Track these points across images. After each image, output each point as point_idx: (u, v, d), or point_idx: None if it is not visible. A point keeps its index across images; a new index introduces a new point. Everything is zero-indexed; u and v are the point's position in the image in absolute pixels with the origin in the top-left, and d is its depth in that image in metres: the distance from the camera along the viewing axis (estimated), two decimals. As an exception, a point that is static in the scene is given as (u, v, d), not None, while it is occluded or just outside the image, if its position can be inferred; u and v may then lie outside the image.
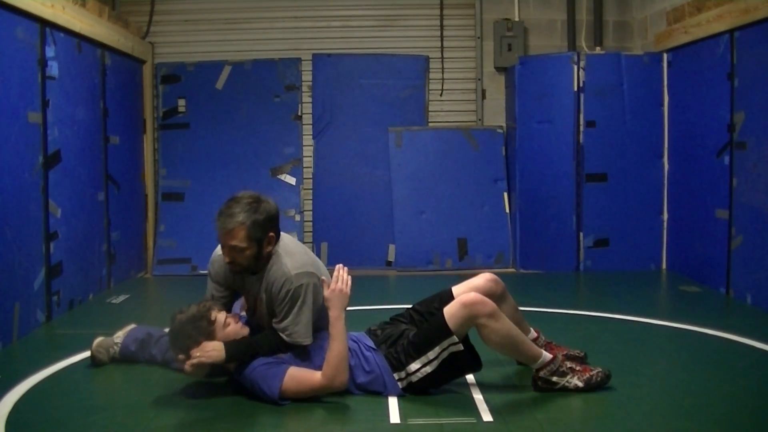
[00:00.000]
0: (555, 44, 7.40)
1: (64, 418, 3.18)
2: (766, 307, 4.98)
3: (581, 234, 6.71)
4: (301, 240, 7.21)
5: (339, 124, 7.41)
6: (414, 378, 3.32)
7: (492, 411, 3.17)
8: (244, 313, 3.61)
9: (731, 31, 5.38)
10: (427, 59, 7.47)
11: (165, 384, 3.56)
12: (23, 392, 3.50)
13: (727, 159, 5.52)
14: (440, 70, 7.49)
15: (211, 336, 3.28)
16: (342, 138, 7.40)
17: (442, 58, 7.49)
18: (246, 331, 3.40)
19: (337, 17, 7.52)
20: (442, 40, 7.49)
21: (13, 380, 3.63)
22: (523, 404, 3.29)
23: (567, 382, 3.36)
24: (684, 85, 6.32)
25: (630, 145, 6.67)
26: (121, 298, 5.79)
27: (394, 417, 3.13)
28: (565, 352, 3.65)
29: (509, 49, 7.34)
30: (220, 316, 3.33)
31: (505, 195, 7.20)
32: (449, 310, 3.27)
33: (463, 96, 7.56)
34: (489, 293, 3.43)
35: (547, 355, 3.37)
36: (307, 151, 7.40)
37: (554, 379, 3.36)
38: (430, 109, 7.50)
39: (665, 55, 6.61)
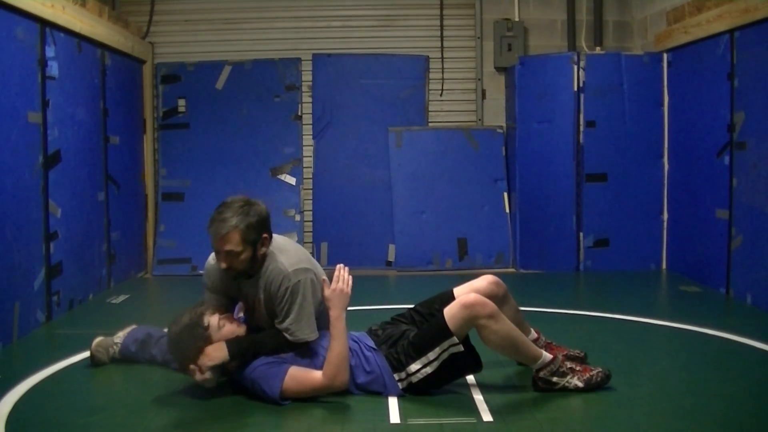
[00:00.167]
0: (555, 44, 7.40)
1: (64, 418, 3.18)
2: (766, 307, 4.98)
3: (581, 234, 6.71)
4: (301, 240, 7.22)
5: (339, 124, 7.41)
6: (414, 379, 3.32)
7: (492, 411, 3.17)
8: (242, 314, 3.60)
9: (731, 31, 5.38)
10: (427, 59, 7.47)
11: (165, 384, 3.56)
12: (23, 392, 3.50)
13: (727, 159, 5.52)
14: (440, 70, 7.49)
15: (209, 341, 3.28)
16: (342, 138, 7.40)
17: (442, 58, 7.49)
18: (243, 329, 3.39)
19: (337, 17, 7.52)
20: (442, 40, 7.49)
21: (13, 380, 3.63)
22: (523, 404, 3.29)
23: (567, 382, 3.36)
24: (684, 85, 6.32)
25: (630, 145, 6.67)
26: (121, 298, 5.79)
27: (394, 417, 3.13)
28: (565, 353, 3.65)
29: (509, 49, 7.34)
30: (213, 319, 3.32)
31: (505, 195, 7.20)
32: (449, 311, 3.28)
33: (463, 96, 7.56)
34: (490, 295, 3.43)
35: (547, 356, 3.38)
36: (307, 151, 7.40)
37: (554, 379, 3.36)
38: (430, 109, 7.50)
39: (665, 55, 6.61)
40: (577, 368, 3.39)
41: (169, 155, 7.32)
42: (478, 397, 3.34)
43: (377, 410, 3.20)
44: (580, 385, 3.36)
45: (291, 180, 7.32)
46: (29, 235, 4.68)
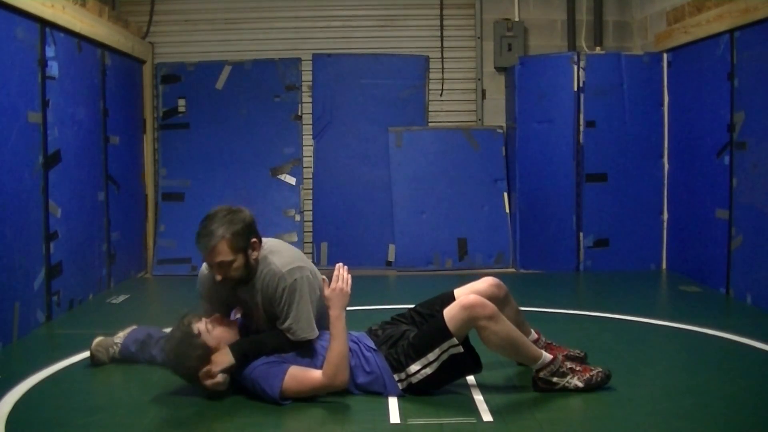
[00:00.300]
0: (555, 44, 7.40)
1: (64, 418, 3.18)
2: (766, 307, 4.98)
3: (581, 234, 6.71)
4: (301, 240, 7.22)
5: (339, 124, 7.41)
6: (414, 379, 3.32)
7: (492, 411, 3.17)
8: (239, 316, 3.59)
9: (731, 31, 5.38)
10: (427, 59, 7.47)
11: (165, 384, 3.55)
12: (23, 392, 3.50)
13: (727, 159, 5.52)
14: (440, 70, 7.49)
15: (205, 346, 3.27)
16: (342, 138, 7.40)
17: (442, 58, 7.49)
18: (234, 328, 3.39)
19: (337, 17, 7.52)
20: (442, 40, 7.49)
21: (13, 380, 3.63)
22: (523, 404, 3.29)
23: (567, 382, 3.36)
24: (684, 85, 6.32)
25: (630, 145, 6.67)
26: (121, 298, 5.79)
27: (394, 417, 3.13)
28: (565, 353, 3.65)
29: (509, 49, 7.34)
30: (201, 325, 3.30)
31: (505, 195, 7.20)
32: (449, 312, 3.28)
33: (463, 96, 7.56)
34: (491, 298, 3.42)
35: (547, 356, 3.37)
36: (307, 151, 7.40)
37: (554, 379, 3.36)
38: (430, 109, 7.50)
39: (665, 55, 6.61)
40: (577, 368, 3.39)
41: (169, 155, 7.32)
42: (478, 397, 3.34)
43: (377, 410, 3.20)
44: (580, 385, 3.36)
45: (291, 180, 7.32)
46: (29, 235, 4.68)
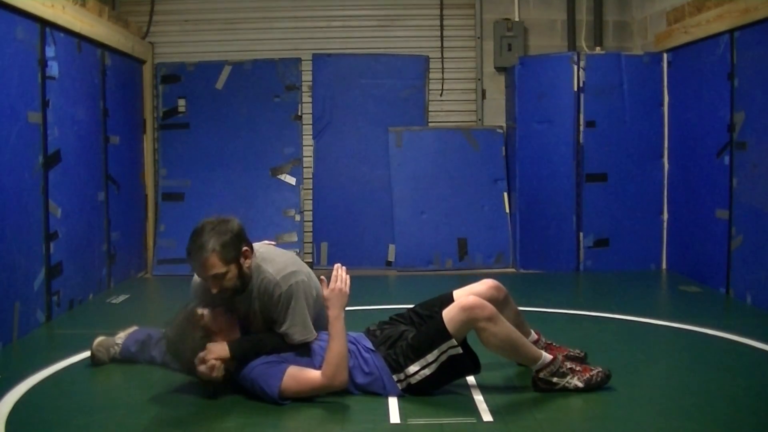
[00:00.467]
0: (555, 44, 7.40)
1: (64, 418, 3.18)
2: (766, 307, 4.98)
3: (581, 234, 6.71)
4: (301, 240, 7.22)
5: (339, 124, 7.41)
6: (413, 380, 3.32)
7: (492, 411, 3.17)
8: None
9: (731, 31, 5.38)
10: (427, 59, 7.47)
11: (165, 384, 3.56)
12: (23, 392, 3.50)
13: (727, 159, 5.52)
14: (440, 70, 7.49)
15: (207, 329, 3.27)
16: (342, 138, 7.40)
17: (442, 58, 7.49)
18: (236, 322, 3.39)
19: (337, 17, 7.52)
20: (442, 40, 7.49)
21: (13, 380, 3.63)
22: (523, 404, 3.28)
23: (567, 382, 3.36)
24: (684, 85, 6.32)
25: (630, 145, 6.67)
26: (121, 298, 5.79)
27: (394, 417, 3.13)
28: (565, 353, 3.65)
29: (509, 49, 7.34)
30: (206, 311, 3.31)
31: (505, 195, 7.20)
32: (448, 314, 3.28)
33: (463, 96, 7.56)
34: (491, 300, 3.42)
35: (547, 357, 3.37)
36: (307, 151, 7.40)
37: (554, 379, 3.36)
38: (430, 109, 7.50)
39: (665, 55, 6.61)
40: (577, 368, 3.39)
41: (169, 155, 7.32)
42: (478, 397, 3.34)
43: (377, 410, 3.20)
44: (580, 385, 3.36)
45: (291, 180, 7.32)
46: (29, 235, 4.68)
